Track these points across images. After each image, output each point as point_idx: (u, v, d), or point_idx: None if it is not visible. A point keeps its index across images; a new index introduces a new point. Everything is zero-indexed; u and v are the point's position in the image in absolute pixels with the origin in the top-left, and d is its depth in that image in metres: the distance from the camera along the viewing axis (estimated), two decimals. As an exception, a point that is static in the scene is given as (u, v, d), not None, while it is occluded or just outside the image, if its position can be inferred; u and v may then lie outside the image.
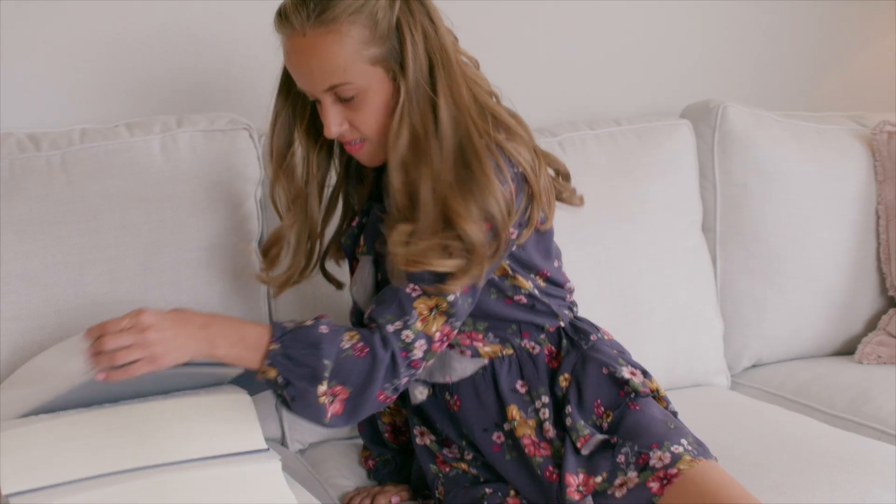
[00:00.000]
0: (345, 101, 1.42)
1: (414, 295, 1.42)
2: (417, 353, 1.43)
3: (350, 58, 1.39)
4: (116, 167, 1.72)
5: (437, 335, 1.44)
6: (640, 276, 2.03)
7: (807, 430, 1.82)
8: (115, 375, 1.28)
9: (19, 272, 1.62)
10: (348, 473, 1.74)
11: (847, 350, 2.26)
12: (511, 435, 1.52)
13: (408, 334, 1.42)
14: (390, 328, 1.42)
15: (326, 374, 1.37)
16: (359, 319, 1.55)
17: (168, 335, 1.31)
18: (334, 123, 1.43)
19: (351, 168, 1.60)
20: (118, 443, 1.32)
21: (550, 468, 1.48)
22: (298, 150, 1.53)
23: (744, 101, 2.27)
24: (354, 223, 1.59)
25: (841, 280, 2.23)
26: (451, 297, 1.42)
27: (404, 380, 1.43)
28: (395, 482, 1.68)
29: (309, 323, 1.41)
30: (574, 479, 1.45)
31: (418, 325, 1.42)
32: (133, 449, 1.32)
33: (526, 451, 1.51)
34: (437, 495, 1.58)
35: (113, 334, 1.28)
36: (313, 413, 1.39)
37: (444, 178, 1.39)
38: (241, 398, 1.40)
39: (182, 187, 1.74)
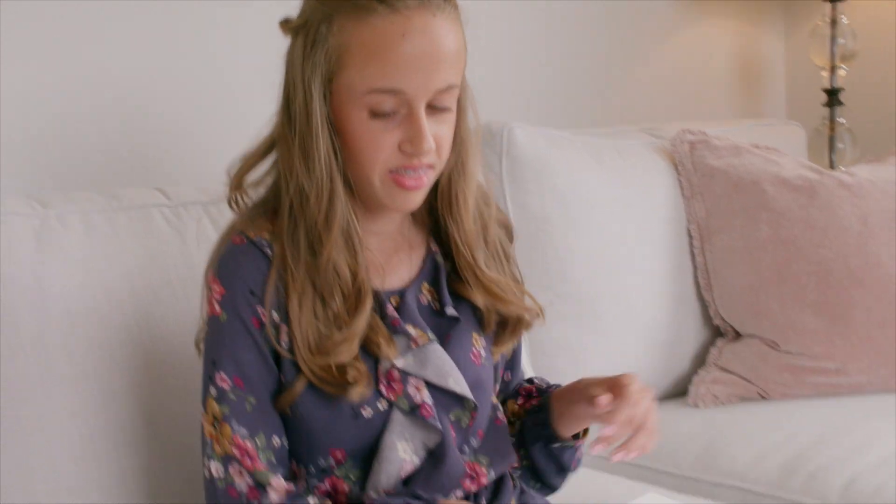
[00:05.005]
0: (437, 111, 1.14)
1: None
2: None
3: (464, 57, 1.16)
4: None
5: None
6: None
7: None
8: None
9: None
10: None
11: (677, 391, 1.99)
12: None
13: None
14: None
15: None
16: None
17: None
18: (430, 137, 1.13)
19: None
20: None
21: None
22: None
23: (528, 121, 1.98)
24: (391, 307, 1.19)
25: (661, 314, 1.96)
26: None
27: None
28: None
29: None
30: None
31: None
32: None
33: None
34: None
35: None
36: None
37: None
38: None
39: None
